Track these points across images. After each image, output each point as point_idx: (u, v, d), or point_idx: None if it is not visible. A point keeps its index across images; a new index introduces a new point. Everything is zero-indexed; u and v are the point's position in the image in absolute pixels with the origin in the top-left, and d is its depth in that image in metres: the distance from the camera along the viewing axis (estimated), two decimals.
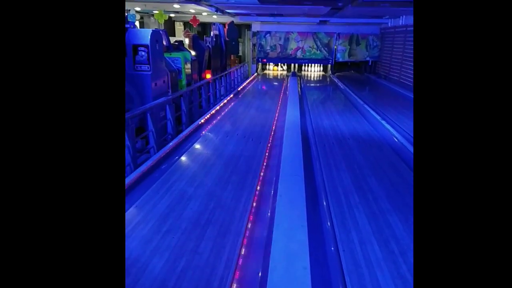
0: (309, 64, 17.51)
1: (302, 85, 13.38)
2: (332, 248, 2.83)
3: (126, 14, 9.33)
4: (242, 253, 2.75)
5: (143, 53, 5.87)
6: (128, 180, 3.84)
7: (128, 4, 10.69)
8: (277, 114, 7.97)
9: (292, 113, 7.55)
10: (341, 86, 12.80)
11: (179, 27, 17.33)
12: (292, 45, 16.87)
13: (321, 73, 17.57)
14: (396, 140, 5.81)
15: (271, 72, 17.76)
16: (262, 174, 4.42)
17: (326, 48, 16.91)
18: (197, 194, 3.75)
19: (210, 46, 10.26)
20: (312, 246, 2.71)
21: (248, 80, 14.01)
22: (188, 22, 14.11)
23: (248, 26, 17.45)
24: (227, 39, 12.67)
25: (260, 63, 17.34)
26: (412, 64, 11.86)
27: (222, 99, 9.40)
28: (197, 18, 13.39)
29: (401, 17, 13.47)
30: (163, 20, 12.39)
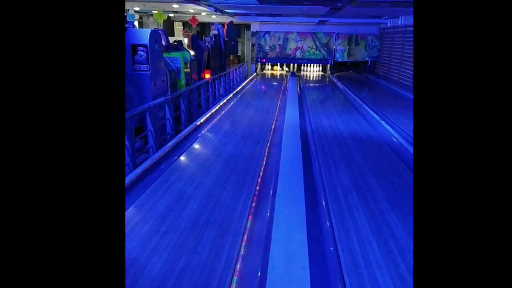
0: (308, 64, 17.51)
1: (301, 85, 13.38)
2: (331, 248, 2.83)
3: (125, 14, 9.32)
4: (241, 253, 2.75)
5: (142, 53, 5.87)
6: (127, 180, 3.84)
7: (127, 4, 10.67)
8: (276, 114, 7.97)
9: (291, 113, 7.55)
10: (340, 86, 12.80)
11: (178, 27, 17.31)
12: (291, 45, 16.86)
13: (320, 73, 17.57)
14: (395, 140, 5.81)
15: (270, 72, 17.76)
16: (261, 174, 4.42)
17: (325, 48, 16.90)
18: (196, 194, 3.75)
19: (209, 46, 10.26)
20: (311, 246, 2.71)
21: (247, 80, 14.01)
22: (187, 22, 14.08)
23: (247, 26, 17.43)
24: (226, 39, 12.65)
25: (259, 63, 17.33)
26: (411, 64, 11.87)
27: (221, 99, 9.40)
28: (196, 18, 13.37)
29: (400, 17, 13.48)
30: (162, 20, 12.38)
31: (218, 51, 11.46)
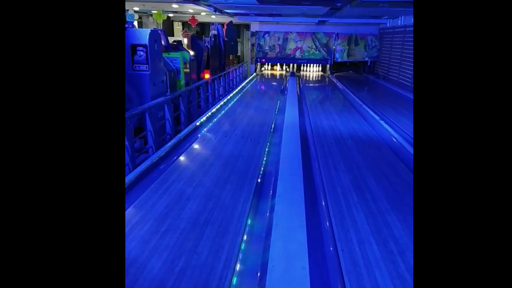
0: (308, 64, 17.52)
1: (301, 85, 13.39)
2: (331, 248, 2.84)
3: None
4: (241, 253, 2.74)
5: (141, 53, 5.87)
6: (126, 180, 3.83)
7: (127, 4, 10.67)
8: (275, 114, 7.98)
9: (291, 113, 7.55)
10: (340, 86, 12.81)
11: (177, 27, 17.30)
12: (291, 45, 16.87)
13: (320, 73, 17.58)
14: (395, 140, 5.82)
15: (270, 72, 17.76)
16: (261, 174, 4.42)
17: (325, 48, 16.91)
18: (196, 194, 3.75)
19: (209, 46, 10.26)
20: (311, 246, 2.71)
21: (247, 80, 14.00)
22: (187, 22, 14.07)
23: (247, 26, 17.43)
24: (225, 39, 12.65)
25: (259, 63, 17.33)
26: (410, 64, 11.88)
27: (221, 99, 9.40)
28: (196, 18, 13.36)
29: (399, 17, 13.49)
30: (162, 20, 12.37)
31: (218, 51, 11.46)
